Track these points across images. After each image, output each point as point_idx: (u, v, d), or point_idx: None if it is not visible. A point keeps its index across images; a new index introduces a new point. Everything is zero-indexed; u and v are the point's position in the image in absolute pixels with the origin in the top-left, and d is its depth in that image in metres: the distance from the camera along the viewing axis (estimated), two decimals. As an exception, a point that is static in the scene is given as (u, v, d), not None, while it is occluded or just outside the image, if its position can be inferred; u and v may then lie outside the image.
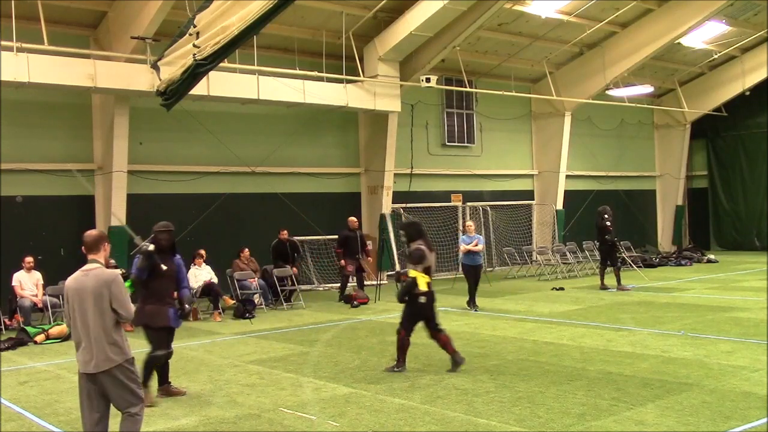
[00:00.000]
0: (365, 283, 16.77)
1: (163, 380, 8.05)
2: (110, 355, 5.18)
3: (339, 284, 16.50)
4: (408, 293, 8.77)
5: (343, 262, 16.24)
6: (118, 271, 5.60)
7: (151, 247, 7.58)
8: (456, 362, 8.71)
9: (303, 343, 10.99)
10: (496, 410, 6.92)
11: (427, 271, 8.92)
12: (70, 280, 5.32)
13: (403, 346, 8.81)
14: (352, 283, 16.64)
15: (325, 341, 11.17)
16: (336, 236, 16.94)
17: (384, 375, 8.61)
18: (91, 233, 5.49)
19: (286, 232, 16.20)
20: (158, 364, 7.83)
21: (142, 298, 7.75)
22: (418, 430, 6.42)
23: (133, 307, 5.44)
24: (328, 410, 7.14)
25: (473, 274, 14.09)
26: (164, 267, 7.72)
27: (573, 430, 6.26)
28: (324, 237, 18.47)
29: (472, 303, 14.08)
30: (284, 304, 15.36)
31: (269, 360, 9.81)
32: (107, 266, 5.42)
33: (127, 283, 7.23)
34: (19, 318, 12.73)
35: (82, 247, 5.42)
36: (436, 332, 8.86)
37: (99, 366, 5.16)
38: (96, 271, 5.27)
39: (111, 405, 5.31)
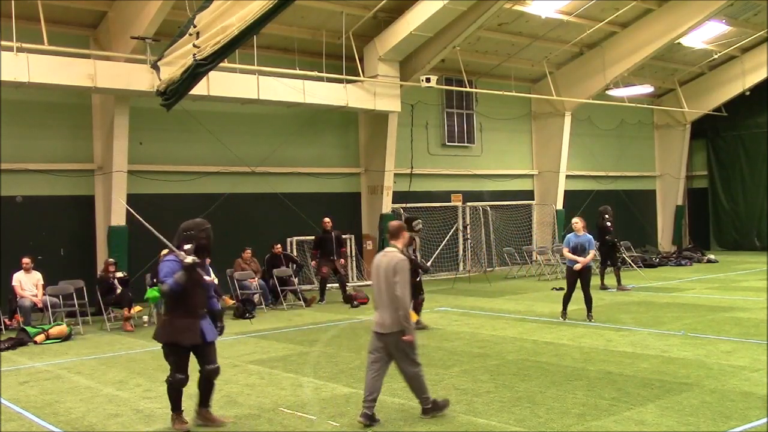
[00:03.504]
0: (364, 283, 16.74)
1: (204, 401, 6.81)
2: (395, 321, 6.47)
3: (338, 285, 16.47)
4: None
5: (313, 263, 16.31)
6: (403, 257, 6.63)
7: (189, 259, 6.51)
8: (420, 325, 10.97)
9: (303, 343, 10.99)
10: (496, 410, 6.92)
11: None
12: (376, 258, 6.81)
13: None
14: (332, 284, 16.64)
15: (325, 341, 11.17)
16: (344, 236, 17.09)
17: (384, 375, 8.61)
18: (393, 224, 7.00)
19: (279, 246, 16.18)
20: (179, 388, 6.65)
21: (169, 310, 6.68)
22: (418, 430, 6.42)
23: (408, 295, 6.56)
24: (328, 410, 7.14)
25: (575, 279, 12.21)
26: (208, 278, 6.85)
27: (573, 430, 6.26)
28: (324, 237, 18.47)
29: (563, 313, 12.42)
30: (284, 304, 15.37)
31: (269, 360, 9.81)
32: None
33: (153, 292, 6.51)
34: (19, 318, 12.73)
35: (387, 234, 7.02)
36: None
37: (385, 328, 6.53)
38: (391, 254, 6.66)
39: (390, 363, 6.65)
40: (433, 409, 6.68)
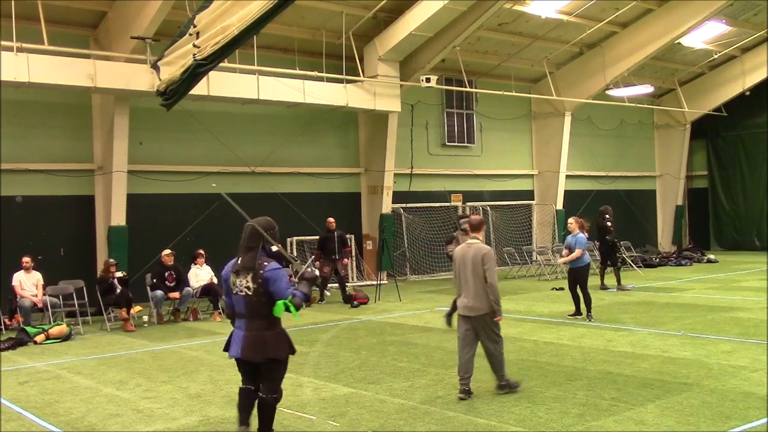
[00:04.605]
0: (364, 283, 16.69)
1: (245, 419, 6.13)
2: (481, 305, 7.26)
3: (337, 284, 16.45)
4: None
5: (318, 263, 16.29)
6: (488, 248, 7.40)
7: (317, 271, 6.06)
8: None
9: (303, 343, 10.98)
10: (496, 410, 6.92)
11: None
12: (458, 250, 7.63)
13: None
14: (333, 284, 16.61)
15: (325, 341, 11.17)
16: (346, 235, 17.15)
17: (384, 375, 8.61)
18: (475, 218, 7.78)
19: (279, 246, 16.09)
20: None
21: (277, 322, 6.09)
22: (418, 430, 6.42)
23: (497, 279, 7.32)
24: (328, 410, 7.14)
25: (573, 279, 12.44)
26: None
27: (573, 430, 6.26)
28: (324, 237, 18.45)
29: (577, 312, 12.45)
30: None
31: (269, 360, 9.79)
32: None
33: (289, 305, 5.85)
34: (19, 318, 12.73)
35: (468, 227, 7.91)
36: None
37: (473, 311, 7.30)
38: (476, 245, 7.45)
39: (478, 342, 7.40)
40: (507, 386, 7.37)
